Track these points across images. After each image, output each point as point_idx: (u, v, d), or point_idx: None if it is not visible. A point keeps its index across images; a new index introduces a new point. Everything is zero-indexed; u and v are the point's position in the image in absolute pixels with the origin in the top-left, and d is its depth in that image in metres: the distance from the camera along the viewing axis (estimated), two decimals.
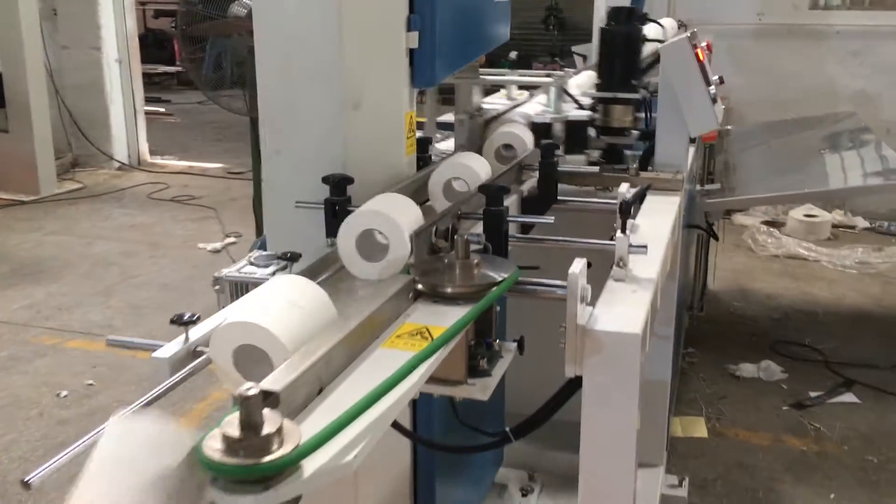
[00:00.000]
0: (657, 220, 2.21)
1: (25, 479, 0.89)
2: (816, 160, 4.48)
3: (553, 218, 1.90)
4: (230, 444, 0.91)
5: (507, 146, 2.52)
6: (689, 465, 3.28)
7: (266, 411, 0.94)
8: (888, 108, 6.33)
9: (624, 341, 1.56)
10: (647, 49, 3.18)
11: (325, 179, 1.77)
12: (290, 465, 0.92)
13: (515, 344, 1.61)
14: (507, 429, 1.72)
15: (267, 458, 0.91)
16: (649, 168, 2.65)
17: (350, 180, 1.78)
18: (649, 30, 3.25)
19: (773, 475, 3.25)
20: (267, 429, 0.92)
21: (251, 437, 0.91)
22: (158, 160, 8.50)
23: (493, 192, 1.71)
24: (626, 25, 3.04)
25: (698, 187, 3.50)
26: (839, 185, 3.97)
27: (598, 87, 3.01)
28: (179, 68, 13.05)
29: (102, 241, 6.00)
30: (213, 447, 0.92)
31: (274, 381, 1.03)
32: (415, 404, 2.01)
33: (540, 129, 2.77)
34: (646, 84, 3.56)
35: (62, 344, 4.35)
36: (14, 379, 3.97)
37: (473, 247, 1.60)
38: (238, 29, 4.66)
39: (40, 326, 4.55)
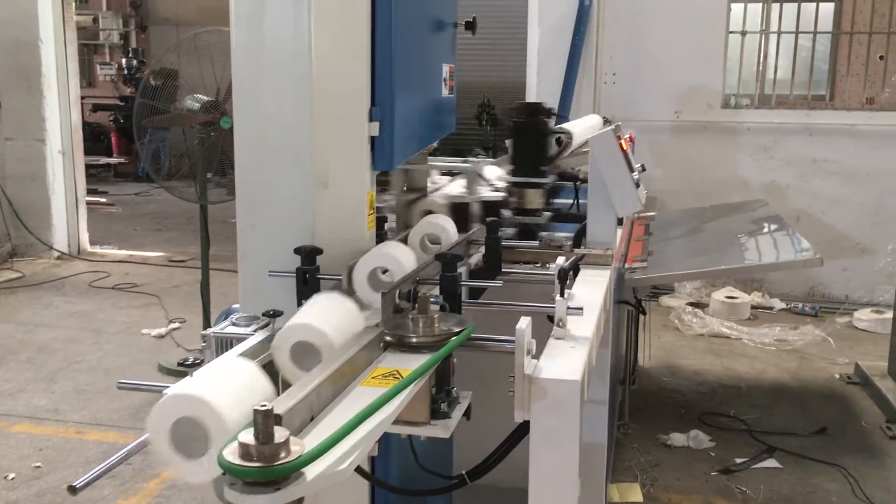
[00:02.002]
0: (590, 290, 2.46)
1: (72, 484, 1.05)
2: (734, 243, 4.86)
3: (501, 282, 2.13)
4: (246, 452, 1.09)
5: (432, 235, 2.67)
6: None
7: (275, 427, 1.12)
8: (796, 198, 6.85)
9: (566, 388, 1.77)
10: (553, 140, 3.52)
11: (298, 250, 1.98)
12: (297, 469, 1.10)
13: (470, 392, 1.81)
14: (464, 472, 1.90)
15: (278, 463, 1.09)
16: (582, 245, 2.94)
17: (320, 251, 1.99)
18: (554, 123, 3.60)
19: None
20: (277, 439, 1.11)
21: (264, 446, 1.09)
22: (98, 249, 8.53)
23: (448, 259, 1.94)
24: (534, 119, 3.39)
25: (626, 266, 3.79)
26: (755, 263, 4.33)
27: (511, 174, 3.33)
28: (122, 160, 13.16)
29: (44, 328, 6.01)
30: (232, 454, 1.10)
31: (278, 405, 1.21)
32: (373, 459, 2.17)
33: (459, 209, 3.03)
34: (576, 172, 3.90)
35: (7, 428, 4.34)
36: None
37: (432, 306, 1.81)
38: (191, 121, 4.88)
39: None
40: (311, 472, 1.13)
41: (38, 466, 3.93)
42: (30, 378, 5.03)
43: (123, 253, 8.48)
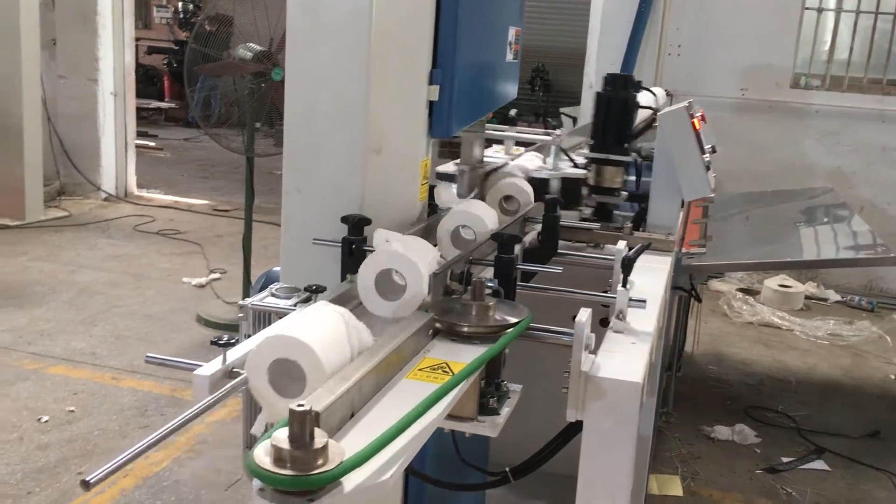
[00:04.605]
0: (651, 279, 2.30)
1: (86, 479, 0.94)
2: (793, 232, 4.64)
3: (561, 268, 1.98)
4: (280, 456, 0.98)
5: (509, 197, 2.61)
6: None
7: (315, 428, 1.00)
8: (863, 187, 6.55)
9: (626, 389, 1.63)
10: (640, 115, 3.32)
11: (345, 219, 1.85)
12: (334, 479, 0.99)
13: (521, 386, 1.68)
14: (507, 469, 1.78)
15: (314, 472, 0.97)
16: (641, 228, 2.77)
17: (368, 221, 1.86)
18: (642, 97, 3.39)
19: None
20: (315, 444, 0.99)
21: (300, 451, 0.98)
22: (145, 193, 8.53)
23: (505, 240, 1.80)
24: (621, 91, 3.18)
25: (683, 251, 3.62)
26: (814, 257, 4.12)
27: (592, 148, 3.14)
28: (173, 104, 13.15)
29: (87, 269, 6.01)
30: (263, 458, 0.98)
31: (315, 401, 1.09)
32: None
33: (537, 184, 2.88)
34: (638, 149, 3.71)
35: (44, 369, 4.33)
36: None
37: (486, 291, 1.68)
38: (242, 71, 4.77)
39: (23, 351, 4.54)
40: (349, 482, 1.01)
41: (72, 411, 3.91)
42: (69, 319, 5.03)
43: (169, 198, 8.47)
